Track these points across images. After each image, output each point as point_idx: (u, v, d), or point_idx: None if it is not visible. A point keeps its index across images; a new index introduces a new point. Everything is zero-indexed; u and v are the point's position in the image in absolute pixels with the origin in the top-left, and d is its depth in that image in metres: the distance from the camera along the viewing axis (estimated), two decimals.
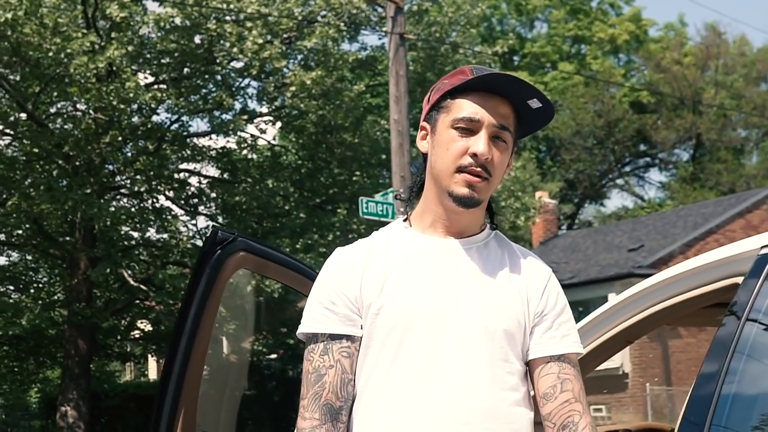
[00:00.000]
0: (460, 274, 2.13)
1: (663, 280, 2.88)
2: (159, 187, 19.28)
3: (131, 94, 16.42)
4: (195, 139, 20.35)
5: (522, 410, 2.10)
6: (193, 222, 20.20)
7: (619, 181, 42.15)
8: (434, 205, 2.20)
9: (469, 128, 2.13)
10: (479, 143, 2.11)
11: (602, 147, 39.14)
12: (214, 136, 19.76)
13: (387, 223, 15.77)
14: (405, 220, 2.24)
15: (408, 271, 2.13)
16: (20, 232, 22.01)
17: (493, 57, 23.34)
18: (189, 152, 19.75)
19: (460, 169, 2.12)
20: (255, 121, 20.35)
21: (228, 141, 20.95)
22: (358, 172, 19.55)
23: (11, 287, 23.86)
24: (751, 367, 2.37)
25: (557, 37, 41.68)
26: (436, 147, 2.17)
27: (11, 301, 22.26)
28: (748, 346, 2.37)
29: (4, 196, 19.25)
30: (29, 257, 23.58)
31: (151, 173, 18.37)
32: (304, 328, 2.17)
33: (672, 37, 40.58)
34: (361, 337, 2.13)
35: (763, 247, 2.53)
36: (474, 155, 2.11)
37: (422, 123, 2.25)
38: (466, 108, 2.14)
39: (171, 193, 19.82)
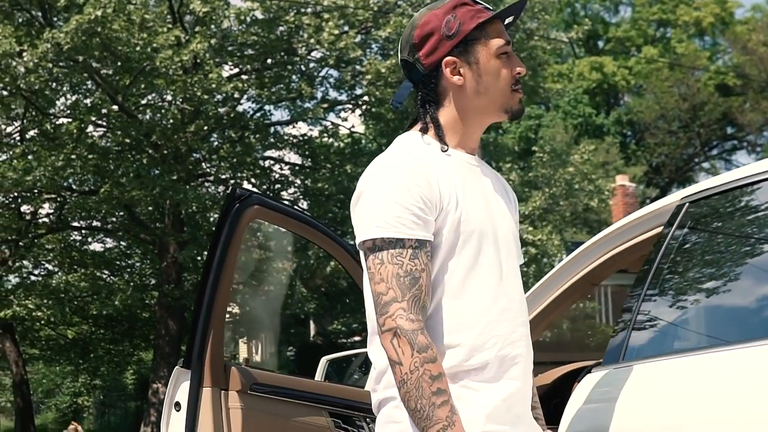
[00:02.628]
0: (488, 187, 2.35)
1: (615, 229, 3.39)
2: (242, 174, 20.11)
3: (214, 85, 17.25)
4: (278, 128, 21.17)
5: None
6: None
7: (706, 165, 41.85)
8: (468, 126, 2.35)
9: (507, 53, 2.39)
10: (518, 64, 2.36)
11: (687, 130, 38.94)
12: (297, 124, 20.53)
13: None
14: (424, 134, 2.34)
15: (465, 185, 2.27)
16: (114, 219, 23.15)
17: (570, 43, 23.63)
18: (271, 140, 20.55)
19: (513, 90, 2.35)
20: (335, 109, 21.07)
21: (311, 129, 21.75)
22: None
23: (106, 272, 25.06)
24: (659, 303, 2.90)
25: (642, 21, 41.55)
26: (483, 77, 2.31)
27: (102, 283, 23.36)
28: (658, 285, 2.90)
29: (98, 184, 20.31)
30: (123, 243, 24.74)
31: (235, 161, 19.19)
32: (389, 232, 2.16)
33: (759, 18, 40.13)
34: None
35: (683, 198, 3.03)
36: (518, 73, 2.35)
37: (448, 59, 2.32)
38: (499, 36, 2.35)
39: (254, 180, 20.63)
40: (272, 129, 21.04)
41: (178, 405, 3.16)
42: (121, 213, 22.14)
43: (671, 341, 2.78)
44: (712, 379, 2.42)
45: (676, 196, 3.09)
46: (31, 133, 21.53)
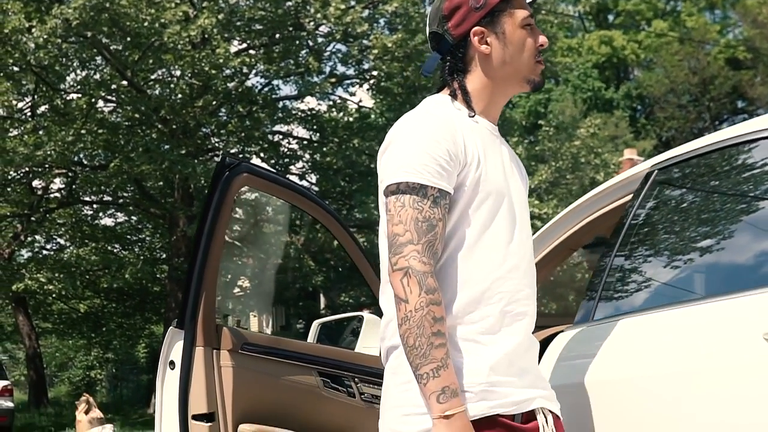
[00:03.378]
0: (505, 156, 2.46)
1: (591, 197, 3.53)
2: (250, 148, 20.26)
3: (221, 60, 17.37)
4: (286, 102, 21.32)
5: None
6: None
7: None
8: (493, 95, 2.46)
9: (531, 24, 2.51)
10: (542, 36, 2.47)
11: (697, 104, 38.89)
12: (305, 99, 20.66)
13: None
14: (453, 99, 2.45)
15: (486, 150, 2.37)
16: (125, 194, 23.36)
17: (579, 17, 23.63)
18: (280, 115, 20.69)
19: (537, 61, 2.46)
20: (343, 83, 21.19)
21: (319, 104, 21.88)
22: None
23: (117, 245, 25.31)
24: (626, 267, 3.05)
25: None
26: (508, 46, 2.42)
27: (113, 257, 23.60)
28: (626, 249, 3.04)
29: (109, 159, 20.50)
30: (134, 218, 24.98)
31: (243, 135, 19.34)
32: (413, 177, 2.25)
33: None
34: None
35: (652, 166, 3.17)
36: (541, 46, 2.46)
37: (476, 29, 2.42)
38: (524, 8, 2.45)
39: (263, 154, 20.79)
40: (280, 104, 21.17)
41: (172, 363, 3.32)
42: (132, 187, 22.35)
43: (636, 301, 2.92)
44: (669, 334, 2.57)
45: (646, 164, 3.22)
46: (42, 108, 21.72)
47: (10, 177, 22.25)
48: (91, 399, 19.66)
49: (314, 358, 3.71)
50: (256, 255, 20.58)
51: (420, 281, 2.17)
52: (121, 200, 24.33)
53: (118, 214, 26.33)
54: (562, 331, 3.36)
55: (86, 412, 19.71)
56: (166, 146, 19.24)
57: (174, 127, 19.22)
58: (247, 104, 19.89)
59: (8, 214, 24.87)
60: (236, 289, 25.94)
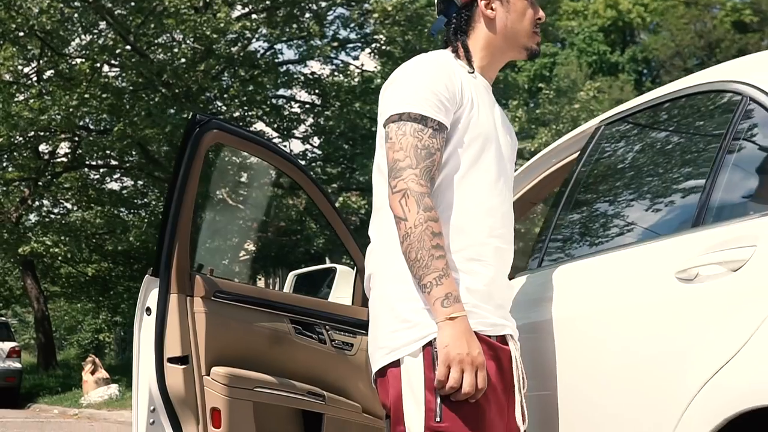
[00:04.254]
0: (497, 114, 2.67)
1: (548, 152, 3.70)
2: (253, 112, 20.42)
3: (222, 25, 17.49)
4: (290, 66, 21.43)
5: None
6: (285, 144, 21.30)
7: None
8: (492, 56, 2.68)
9: None
10: (541, 11, 2.70)
11: (703, 68, 38.73)
12: (308, 63, 20.80)
13: None
14: (456, 56, 2.65)
15: (480, 101, 2.57)
16: (131, 158, 23.55)
17: None
18: (282, 79, 20.82)
19: (534, 31, 2.69)
20: (346, 47, 21.30)
21: (322, 68, 22.00)
22: None
23: (123, 209, 25.55)
24: (572, 216, 3.22)
25: None
26: (511, 13, 2.64)
27: (118, 220, 23.84)
28: (573, 200, 3.22)
29: (114, 123, 20.69)
30: (140, 182, 25.20)
31: (245, 99, 19.49)
32: (416, 108, 2.44)
33: None
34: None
35: (600, 121, 3.33)
36: (539, 19, 2.69)
37: None
38: None
39: (266, 118, 20.95)
40: (283, 68, 21.29)
41: (148, 310, 3.51)
42: (136, 152, 22.53)
43: (576, 248, 3.11)
44: (599, 277, 2.76)
45: (595, 120, 3.39)
46: (48, 73, 21.90)
47: (16, 142, 22.47)
48: (96, 360, 19.90)
49: (286, 306, 3.90)
50: (259, 218, 20.78)
51: (418, 200, 2.35)
52: (127, 164, 24.54)
53: (125, 178, 26.57)
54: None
55: (92, 373, 19.99)
56: (170, 110, 19.40)
57: (177, 91, 19.38)
58: (249, 68, 20.03)
59: (15, 178, 25.13)
60: (242, 253, 26.20)
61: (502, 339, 2.47)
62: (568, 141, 3.61)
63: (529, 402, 2.59)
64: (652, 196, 2.82)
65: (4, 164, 24.41)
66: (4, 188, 25.22)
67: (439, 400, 2.33)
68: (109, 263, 27.43)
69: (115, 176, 26.53)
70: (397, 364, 2.39)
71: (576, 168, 3.28)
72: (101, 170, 25.41)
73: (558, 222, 3.23)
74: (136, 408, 3.51)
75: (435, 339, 2.34)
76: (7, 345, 22.46)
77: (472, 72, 2.62)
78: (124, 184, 26.89)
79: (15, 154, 23.68)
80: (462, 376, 2.30)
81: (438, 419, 2.32)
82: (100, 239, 25.81)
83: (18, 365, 22.62)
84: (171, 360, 3.48)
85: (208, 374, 3.52)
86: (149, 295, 3.52)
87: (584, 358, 2.67)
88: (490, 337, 2.43)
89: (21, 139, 22.33)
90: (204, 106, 19.91)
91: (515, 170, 2.97)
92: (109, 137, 20.45)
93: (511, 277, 2.80)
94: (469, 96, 2.54)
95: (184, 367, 3.48)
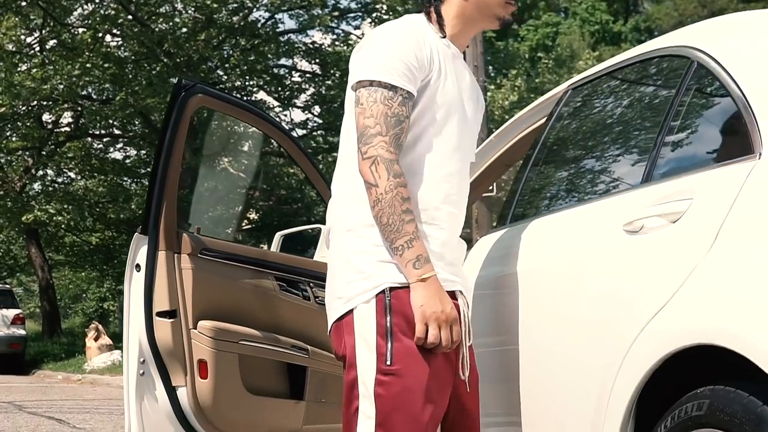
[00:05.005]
0: (465, 81, 2.72)
1: (521, 116, 3.85)
2: (254, 81, 20.54)
3: None
4: (291, 36, 21.53)
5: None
6: (286, 113, 21.45)
7: None
8: (464, 25, 2.74)
9: None
10: None
11: None
12: (309, 32, 20.89)
13: None
14: (428, 19, 2.72)
15: (448, 68, 2.63)
16: (134, 128, 23.70)
17: None
18: (283, 48, 20.92)
19: (507, 2, 2.73)
20: (347, 17, 21.38)
21: (324, 38, 22.08)
22: None
23: (126, 178, 25.75)
24: (539, 176, 3.38)
25: None
26: None
27: (120, 189, 24.02)
28: (540, 161, 3.37)
29: (116, 93, 20.83)
30: (143, 152, 25.37)
31: (246, 68, 19.60)
32: (386, 77, 2.52)
33: None
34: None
35: (569, 85, 3.48)
36: None
37: None
38: None
39: (267, 87, 21.07)
40: (284, 37, 21.38)
41: (138, 266, 3.68)
42: (139, 121, 22.68)
43: (541, 206, 3.27)
44: (558, 232, 2.92)
45: (564, 84, 3.53)
46: (51, 43, 22.00)
47: (20, 111, 22.62)
48: (100, 327, 20.12)
49: (270, 264, 4.06)
50: (261, 187, 20.95)
51: (388, 167, 2.46)
52: (130, 133, 24.71)
53: (128, 148, 26.75)
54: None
55: (95, 339, 20.21)
56: (172, 80, 19.52)
57: (178, 60, 19.51)
58: (250, 38, 20.13)
59: (19, 147, 25.31)
60: (245, 222, 26.40)
61: (452, 294, 2.55)
62: (539, 105, 3.75)
63: (498, 352, 2.76)
64: (609, 156, 2.98)
65: (8, 134, 24.60)
66: (8, 157, 25.41)
67: (389, 345, 2.44)
68: (113, 232, 27.63)
69: (118, 146, 26.70)
70: (351, 312, 2.50)
71: (543, 131, 3.44)
72: (104, 140, 25.59)
73: (525, 182, 3.39)
74: (127, 359, 3.68)
75: (388, 288, 2.46)
76: (12, 312, 22.70)
77: (444, 37, 2.69)
78: (127, 154, 27.08)
79: (18, 123, 23.86)
80: (440, 332, 2.43)
81: (388, 362, 2.43)
82: (103, 208, 26.01)
83: (22, 332, 22.86)
84: (160, 314, 3.64)
85: (195, 327, 3.68)
86: (138, 252, 3.68)
87: (543, 307, 2.83)
88: None
89: (24, 108, 22.49)
90: (205, 76, 20.04)
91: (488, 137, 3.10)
92: (111, 107, 20.59)
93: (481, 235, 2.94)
94: (438, 64, 2.61)
95: (172, 320, 3.64)
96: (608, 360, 2.41)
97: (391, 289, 2.47)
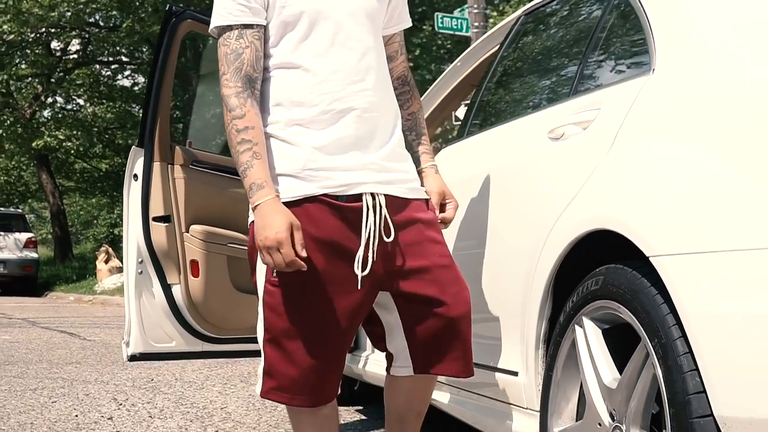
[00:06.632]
0: None
1: (485, 38, 4.21)
2: None
3: None
4: None
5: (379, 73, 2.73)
6: None
7: None
8: None
9: None
10: None
11: None
12: None
13: (464, 37, 16.80)
14: None
15: None
16: (143, 55, 23.93)
17: None
18: None
19: None
20: None
21: None
22: None
23: (134, 104, 26.07)
24: (491, 94, 3.76)
25: None
26: None
27: (128, 115, 24.34)
28: (494, 80, 3.75)
29: (124, 20, 21.07)
30: None
31: None
32: (219, 21, 2.61)
33: None
34: (268, 24, 2.64)
35: (523, 11, 3.83)
36: None
37: None
38: None
39: None
40: None
41: (135, 176, 4.07)
42: (146, 48, 22.93)
43: (488, 121, 3.66)
44: (497, 142, 3.32)
45: (521, 10, 3.88)
46: None
47: (29, 39, 22.88)
48: (110, 249, 20.59)
49: None
50: None
51: (227, 103, 2.58)
52: (138, 60, 24.97)
53: (136, 75, 27.03)
54: None
55: (106, 262, 20.68)
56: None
57: None
58: None
59: (28, 74, 25.62)
60: None
61: (356, 197, 2.61)
62: (500, 29, 4.10)
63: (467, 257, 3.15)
64: (546, 76, 3.37)
65: (17, 61, 24.90)
66: (18, 84, 25.73)
67: None
68: (122, 158, 28.03)
69: (126, 73, 26.99)
70: (252, 224, 2.63)
71: (498, 53, 3.82)
72: (112, 66, 25.86)
73: (479, 100, 3.78)
74: (126, 260, 4.10)
75: (283, 202, 2.56)
76: (24, 236, 23.22)
77: None
78: (135, 81, 27.39)
79: (27, 50, 24.14)
80: (272, 257, 2.50)
81: (274, 274, 2.59)
82: (112, 134, 26.38)
83: (35, 255, 23.41)
84: (155, 219, 4.04)
85: (188, 231, 4.09)
86: (136, 163, 4.07)
87: (487, 205, 3.23)
88: (338, 198, 2.60)
89: (32, 35, 22.75)
90: (210, 2, 20.23)
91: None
92: (118, 34, 20.85)
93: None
94: None
95: (166, 225, 4.05)
96: (534, 246, 2.80)
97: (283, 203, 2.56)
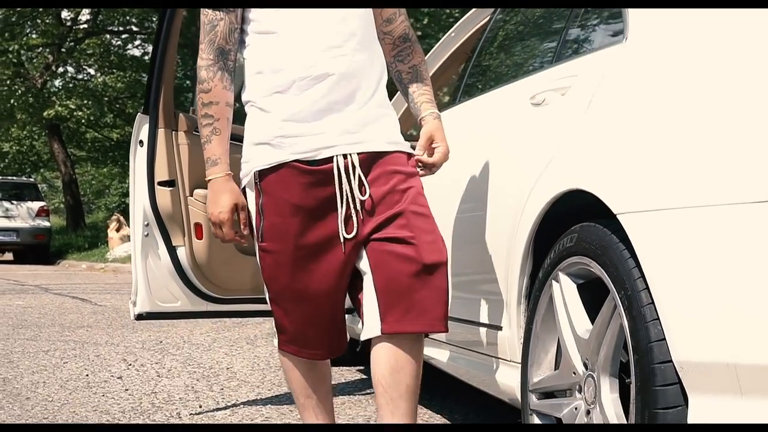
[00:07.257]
0: None
1: (476, 10, 4.36)
2: None
3: None
4: None
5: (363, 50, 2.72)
6: None
7: None
8: None
9: None
10: None
11: None
12: None
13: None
14: None
15: None
16: (152, 24, 24.01)
17: None
18: None
19: None
20: None
21: None
22: None
23: (144, 74, 26.19)
24: (480, 63, 3.90)
25: None
26: None
27: (138, 84, 24.44)
28: (485, 50, 3.89)
29: None
30: None
31: None
32: None
33: None
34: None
35: None
36: None
37: None
38: None
39: None
40: None
41: (141, 142, 4.22)
42: (155, 18, 23.01)
43: (479, 88, 3.80)
44: (487, 107, 3.46)
45: None
46: None
47: (39, 8, 23.00)
48: (121, 218, 20.75)
49: None
50: None
51: (198, 74, 2.72)
52: (148, 30, 25.07)
53: (146, 44, 27.12)
54: None
55: (117, 230, 20.86)
56: None
57: None
58: None
59: (39, 44, 25.77)
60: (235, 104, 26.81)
61: (328, 160, 2.65)
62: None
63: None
64: (532, 44, 3.51)
65: (28, 31, 25.04)
66: (29, 54, 25.88)
67: (261, 224, 2.72)
68: (133, 128, 28.18)
69: (136, 42, 27.10)
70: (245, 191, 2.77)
71: (488, 24, 3.96)
72: (122, 36, 25.96)
73: (471, 68, 3.93)
74: (133, 223, 4.25)
75: (257, 171, 2.69)
76: (36, 204, 23.43)
77: None
78: (146, 50, 27.47)
79: (38, 20, 24.26)
80: (215, 231, 2.73)
81: (261, 240, 2.73)
82: (122, 104, 26.53)
83: (47, 224, 23.63)
84: (160, 183, 4.18)
85: (191, 195, 4.23)
86: (141, 129, 4.21)
87: (478, 168, 3.37)
88: (310, 163, 2.64)
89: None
90: None
91: None
92: (128, 3, 20.92)
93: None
94: None
95: (171, 189, 4.19)
96: (516, 207, 2.95)
97: (260, 172, 2.68)
